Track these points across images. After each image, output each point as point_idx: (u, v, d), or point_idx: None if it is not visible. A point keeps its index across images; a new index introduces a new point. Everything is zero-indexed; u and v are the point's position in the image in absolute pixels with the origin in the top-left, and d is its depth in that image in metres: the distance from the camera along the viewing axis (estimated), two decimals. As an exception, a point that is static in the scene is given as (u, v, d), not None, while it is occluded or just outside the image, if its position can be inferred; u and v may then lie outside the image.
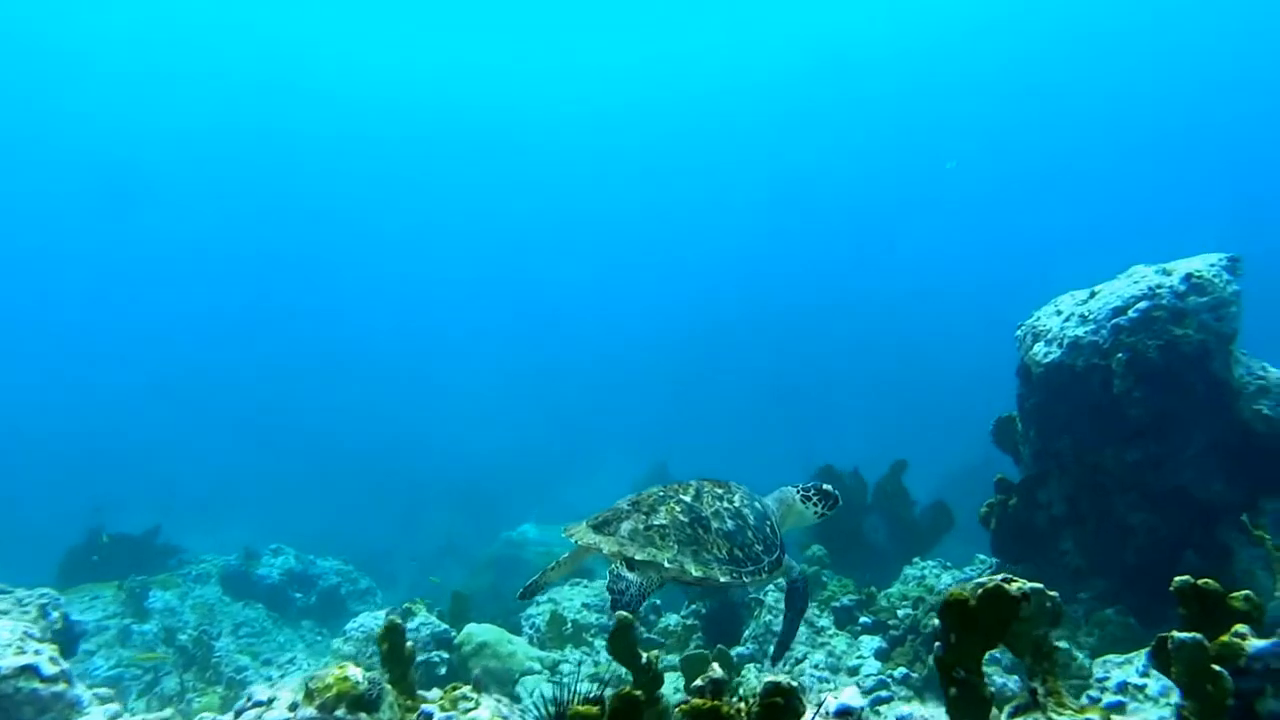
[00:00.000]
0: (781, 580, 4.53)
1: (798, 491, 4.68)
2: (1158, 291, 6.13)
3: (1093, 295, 6.68)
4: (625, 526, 3.89)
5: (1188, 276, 6.09)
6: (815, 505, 4.66)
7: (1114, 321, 6.25)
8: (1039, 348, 6.83)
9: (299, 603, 12.82)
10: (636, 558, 3.76)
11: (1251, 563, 5.91)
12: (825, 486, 4.67)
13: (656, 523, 3.90)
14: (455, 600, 8.76)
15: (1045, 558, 6.78)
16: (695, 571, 3.79)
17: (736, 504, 4.18)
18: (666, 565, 3.74)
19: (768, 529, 4.23)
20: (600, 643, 8.18)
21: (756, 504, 4.35)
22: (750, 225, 50.23)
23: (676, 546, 3.81)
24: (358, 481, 30.72)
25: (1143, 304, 6.15)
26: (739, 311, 46.00)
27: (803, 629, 6.61)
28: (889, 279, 46.14)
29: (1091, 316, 6.45)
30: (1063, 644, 6.25)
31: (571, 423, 36.37)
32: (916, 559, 8.95)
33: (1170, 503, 6.18)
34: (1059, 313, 6.89)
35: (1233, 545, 6.00)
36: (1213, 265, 6.12)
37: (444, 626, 7.63)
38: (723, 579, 3.84)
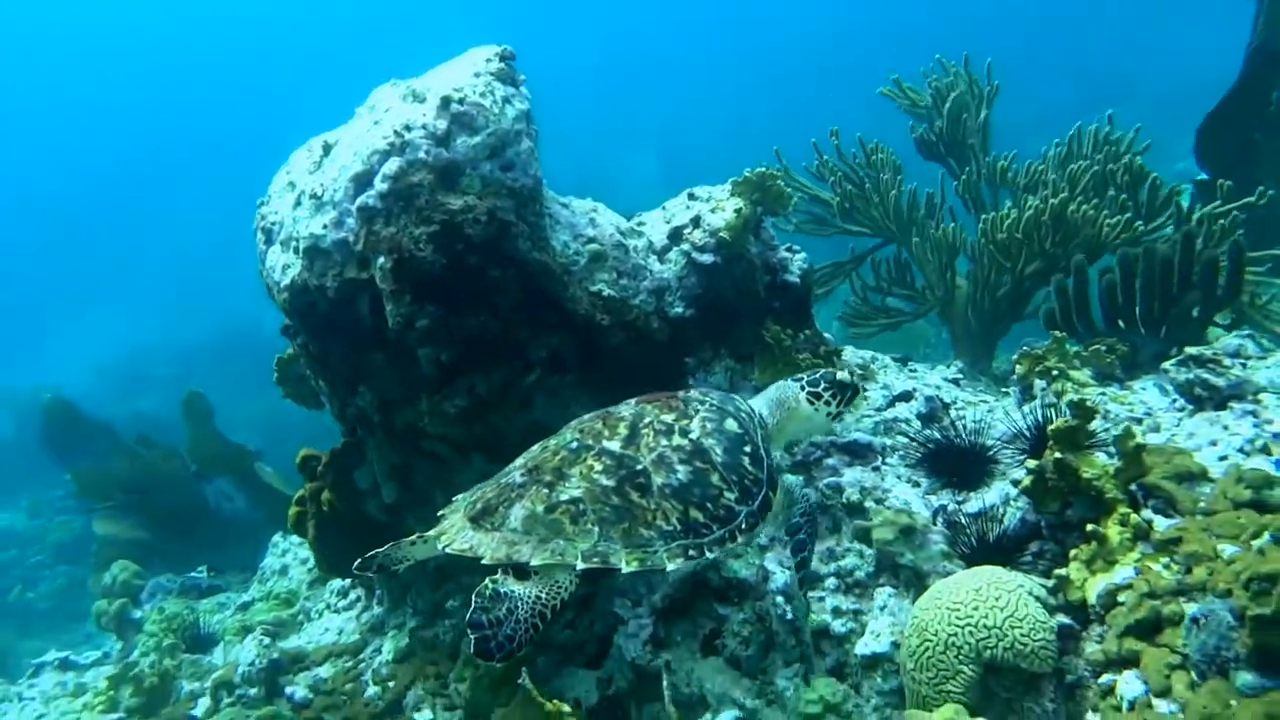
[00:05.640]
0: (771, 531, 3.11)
1: (802, 388, 3.16)
2: (409, 139, 3.47)
3: (327, 151, 3.84)
4: (517, 513, 2.53)
5: (445, 104, 3.49)
6: (830, 404, 3.14)
7: (361, 201, 3.51)
8: (274, 257, 3.92)
9: None
10: (534, 563, 2.41)
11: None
12: (840, 375, 3.16)
13: (564, 497, 2.54)
14: None
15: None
16: (628, 564, 2.40)
17: (695, 434, 2.76)
18: (580, 566, 2.40)
19: (745, 460, 2.76)
20: None
21: (730, 422, 2.86)
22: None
23: (598, 530, 2.47)
24: None
25: (394, 163, 3.47)
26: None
27: None
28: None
29: (328, 196, 3.63)
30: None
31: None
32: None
33: (526, 452, 4.09)
34: (292, 187, 3.97)
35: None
36: (478, 77, 3.59)
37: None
38: (670, 565, 2.45)
